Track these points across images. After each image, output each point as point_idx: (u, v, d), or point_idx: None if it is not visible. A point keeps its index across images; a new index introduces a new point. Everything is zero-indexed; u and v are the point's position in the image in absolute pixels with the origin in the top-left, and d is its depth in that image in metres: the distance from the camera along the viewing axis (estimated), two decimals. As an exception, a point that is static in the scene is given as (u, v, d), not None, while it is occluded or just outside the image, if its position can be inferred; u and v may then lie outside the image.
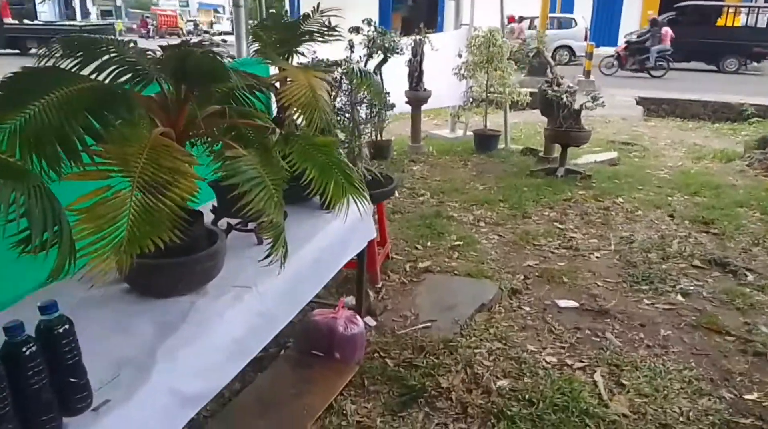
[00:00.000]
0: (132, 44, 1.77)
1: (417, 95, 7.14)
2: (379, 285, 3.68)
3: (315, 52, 5.91)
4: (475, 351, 2.94)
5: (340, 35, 2.76)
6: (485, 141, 7.34)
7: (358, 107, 3.65)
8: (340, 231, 2.68)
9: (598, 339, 3.07)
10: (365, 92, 3.29)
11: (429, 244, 4.27)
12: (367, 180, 3.57)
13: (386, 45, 6.32)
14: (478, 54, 7.03)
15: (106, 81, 1.67)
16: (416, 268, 3.89)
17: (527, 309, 3.37)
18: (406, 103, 7.23)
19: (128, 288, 1.92)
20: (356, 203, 2.10)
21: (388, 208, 5.03)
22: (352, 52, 6.17)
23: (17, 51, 21.68)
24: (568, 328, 3.17)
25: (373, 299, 3.55)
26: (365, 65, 6.34)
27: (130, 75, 1.69)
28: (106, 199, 1.44)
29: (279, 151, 1.94)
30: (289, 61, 2.74)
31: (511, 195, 5.37)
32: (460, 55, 7.20)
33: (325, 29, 2.70)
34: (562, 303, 3.42)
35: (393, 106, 6.62)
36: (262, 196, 1.63)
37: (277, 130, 1.93)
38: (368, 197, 2.14)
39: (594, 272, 3.82)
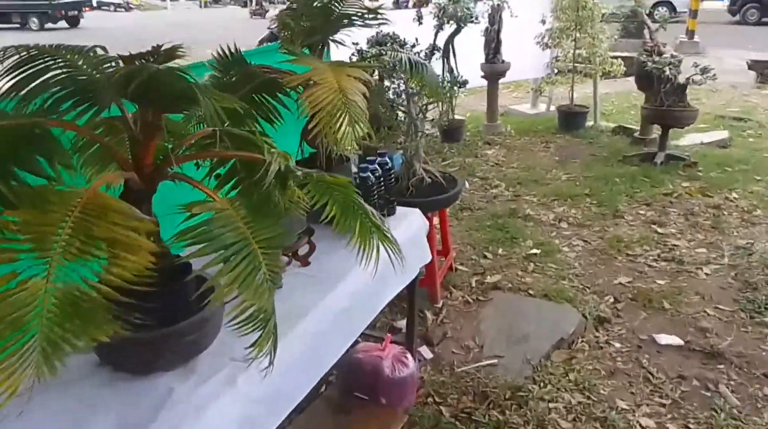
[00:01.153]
0: (94, 51, 1.31)
1: (494, 68, 6.44)
2: (439, 304, 3.17)
3: (380, 25, 5.36)
4: (551, 405, 2.40)
5: (385, 18, 2.21)
6: (571, 118, 6.55)
7: (416, 99, 3.09)
8: (385, 260, 2.19)
9: (708, 394, 2.44)
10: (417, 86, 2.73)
11: (500, 251, 3.70)
12: (426, 183, 3.04)
13: (459, 14, 5.67)
14: (564, 19, 6.22)
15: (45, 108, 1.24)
16: (483, 284, 3.34)
17: (617, 345, 2.77)
18: (482, 77, 6.56)
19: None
20: (387, 251, 1.59)
21: (455, 204, 4.47)
22: (420, 23, 5.59)
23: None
24: (669, 376, 2.55)
25: (431, 323, 3.06)
26: (435, 38, 5.75)
27: (72, 101, 1.26)
28: (9, 292, 1.01)
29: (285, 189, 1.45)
30: (323, 54, 2.24)
31: (600, 187, 4.66)
32: (543, 21, 6.40)
33: (365, 11, 2.16)
34: (662, 339, 2.79)
35: (465, 82, 6.00)
36: (242, 271, 1.15)
37: (283, 162, 1.44)
38: (398, 247, 1.61)
39: (703, 295, 3.13)
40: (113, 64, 1.28)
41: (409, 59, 2.18)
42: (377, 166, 2.26)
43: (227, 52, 2.11)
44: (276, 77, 1.93)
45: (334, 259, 2.07)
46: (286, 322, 1.73)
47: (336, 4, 2.12)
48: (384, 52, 2.31)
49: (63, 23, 22.50)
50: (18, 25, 22.11)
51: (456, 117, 6.89)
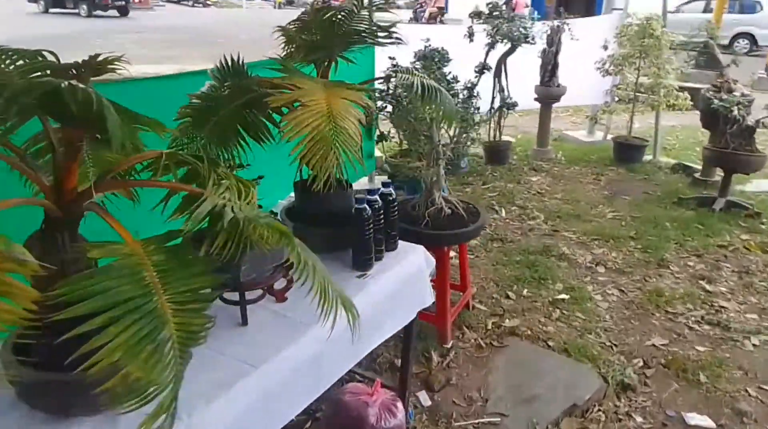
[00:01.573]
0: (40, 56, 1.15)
1: (548, 92, 6.12)
2: (448, 345, 2.92)
3: (429, 39, 5.12)
4: (550, 485, 2.11)
5: (399, 37, 2.00)
6: (627, 151, 6.14)
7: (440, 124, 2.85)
8: (376, 301, 1.97)
9: (739, 495, 2.11)
10: (431, 113, 2.49)
11: (525, 292, 3.41)
12: (445, 214, 2.80)
13: (514, 33, 5.39)
14: (628, 46, 5.84)
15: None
16: (500, 328, 3.07)
17: (638, 420, 2.45)
18: (536, 99, 6.25)
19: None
20: (347, 313, 1.37)
21: (486, 233, 4.20)
22: (471, 40, 5.34)
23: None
24: (694, 466, 2.22)
25: (435, 365, 2.81)
26: (486, 57, 5.48)
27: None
28: None
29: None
30: (328, 72, 2.04)
31: (648, 231, 4.28)
32: (605, 47, 6.04)
33: (376, 29, 1.95)
34: (692, 418, 2.45)
35: (514, 104, 5.72)
36: (131, 337, 0.95)
37: (221, 200, 1.23)
38: (356, 312, 1.38)
39: (746, 371, 2.76)
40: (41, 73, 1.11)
41: (422, 84, 1.95)
42: (377, 198, 2.04)
43: (227, 61, 1.96)
44: (270, 93, 1.75)
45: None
46: (240, 369, 1.53)
47: (343, 20, 1.92)
48: (395, 74, 2.08)
49: (113, 12, 23.42)
50: (71, 11, 23.22)
51: (504, 138, 6.61)
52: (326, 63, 2.03)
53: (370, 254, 2.02)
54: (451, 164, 5.66)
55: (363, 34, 1.97)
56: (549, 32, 5.96)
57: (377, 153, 4.77)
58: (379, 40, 1.99)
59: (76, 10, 23.03)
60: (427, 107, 2.14)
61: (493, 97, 5.77)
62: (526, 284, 3.49)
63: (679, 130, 7.60)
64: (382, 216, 2.06)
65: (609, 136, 6.81)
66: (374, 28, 1.93)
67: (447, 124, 2.32)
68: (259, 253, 1.70)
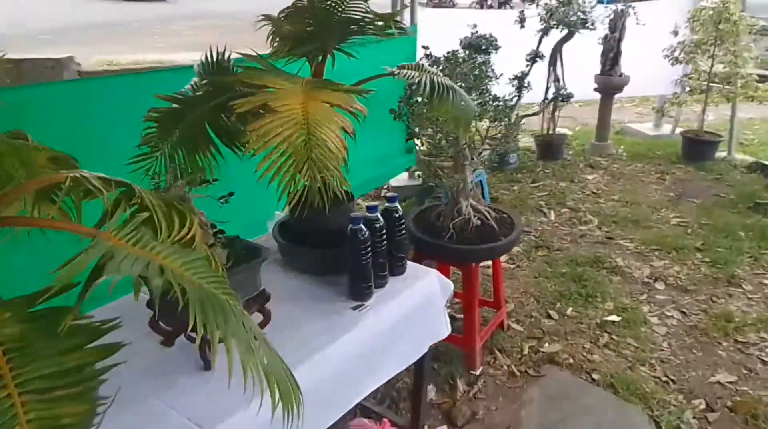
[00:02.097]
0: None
1: (610, 81, 5.61)
2: (477, 372, 2.59)
3: (475, 26, 4.73)
4: None
5: (402, 27, 1.67)
6: (697, 147, 5.56)
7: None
8: (375, 337, 1.67)
9: None
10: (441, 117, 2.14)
11: (569, 311, 3.02)
12: (473, 226, 2.47)
13: (571, 18, 4.93)
14: (702, 31, 5.25)
15: None
16: (538, 353, 2.71)
17: (696, 479, 2.06)
18: (595, 89, 5.75)
19: None
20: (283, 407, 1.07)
21: (530, 239, 3.82)
22: (522, 26, 4.91)
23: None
24: None
25: (461, 395, 2.50)
26: (539, 44, 5.04)
27: None
28: None
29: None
30: (323, 68, 1.73)
31: (717, 241, 3.79)
32: (675, 33, 5.47)
33: (372, 17, 1.63)
34: (764, 481, 2.04)
35: (569, 96, 5.25)
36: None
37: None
38: (300, 396, 1.08)
39: (835, 421, 2.31)
40: None
41: (431, 81, 1.62)
42: (378, 216, 1.73)
43: (210, 55, 1.70)
44: (250, 93, 1.46)
45: (304, 331, 1.59)
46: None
47: (335, 7, 1.61)
48: (420, 67, 1.74)
49: None
50: None
51: (560, 131, 6.14)
52: (320, 58, 1.73)
53: (368, 282, 1.72)
54: (498, 159, 5.31)
55: (362, 24, 1.66)
56: (612, 17, 5.45)
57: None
58: (373, 30, 1.67)
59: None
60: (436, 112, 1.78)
61: (547, 88, 5.33)
62: (571, 302, 3.10)
63: (758, 124, 6.88)
64: (384, 236, 1.76)
65: (678, 130, 6.22)
66: (370, 15, 1.61)
67: (461, 127, 1.96)
68: (230, 284, 1.44)
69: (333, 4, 1.62)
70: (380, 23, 1.63)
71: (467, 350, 2.61)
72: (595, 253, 3.63)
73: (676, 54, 5.50)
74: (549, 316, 2.98)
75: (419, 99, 2.60)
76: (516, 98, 5.10)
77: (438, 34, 4.74)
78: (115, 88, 2.25)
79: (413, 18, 4.66)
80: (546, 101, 5.35)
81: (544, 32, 4.94)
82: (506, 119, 2.60)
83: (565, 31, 5.02)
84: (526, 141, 6.04)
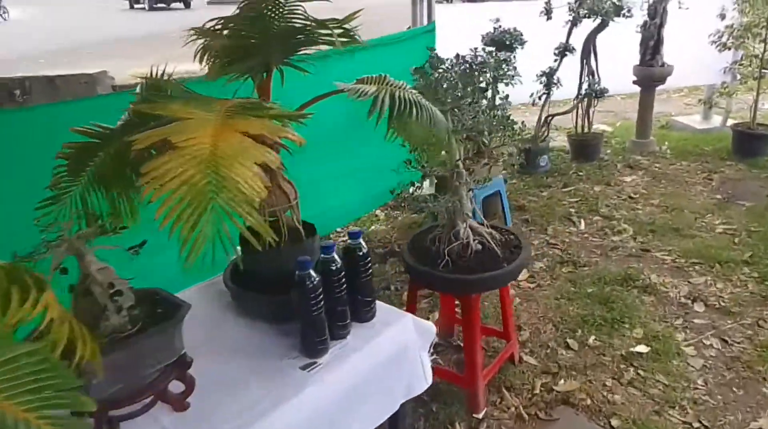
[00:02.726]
0: None
1: (650, 72, 5.18)
2: (480, 416, 2.31)
3: (498, 20, 4.41)
4: None
5: (357, 38, 1.42)
6: (749, 141, 5.07)
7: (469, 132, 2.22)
8: (330, 400, 1.43)
9: None
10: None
11: (591, 340, 2.70)
12: (472, 251, 2.19)
13: (603, 6, 4.54)
14: (752, 13, 4.77)
15: None
16: (551, 392, 2.40)
17: None
18: (634, 82, 5.32)
19: None
20: None
21: (555, 253, 3.50)
22: (549, 18, 4.54)
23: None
24: None
25: (461, 442, 2.22)
26: (568, 36, 4.67)
27: None
28: None
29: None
30: (268, 86, 1.49)
31: (769, 252, 3.38)
32: (722, 16, 4.99)
33: (313, 25, 1.38)
34: None
35: (603, 91, 4.85)
36: None
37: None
38: None
39: None
40: None
41: (392, 97, 1.36)
42: (335, 257, 1.48)
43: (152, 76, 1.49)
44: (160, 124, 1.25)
45: (242, 396, 1.36)
46: None
47: (271, 16, 1.37)
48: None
49: (179, 4, 24.78)
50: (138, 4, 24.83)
51: (599, 127, 5.77)
52: (265, 74, 1.49)
53: (321, 336, 1.47)
54: (527, 162, 4.97)
55: (306, 33, 1.41)
56: (651, 2, 5.01)
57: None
58: (326, 39, 1.41)
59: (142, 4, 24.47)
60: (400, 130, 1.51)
61: (581, 83, 4.95)
62: (594, 329, 2.77)
63: (823, 111, 6.27)
64: (343, 280, 1.51)
65: (729, 122, 5.72)
66: (312, 24, 1.36)
67: (430, 150, 1.66)
68: (132, 353, 1.23)
69: (269, 14, 1.38)
70: (321, 31, 1.38)
71: (470, 390, 2.33)
72: (626, 269, 3.28)
73: (723, 39, 5.02)
74: (568, 347, 2.67)
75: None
76: (545, 96, 4.78)
77: (463, 30, 4.47)
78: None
79: (431, 15, 4.39)
80: (580, 97, 4.98)
81: (574, 23, 4.57)
82: (509, 131, 2.28)
83: (599, 20, 4.64)
84: (561, 140, 5.66)
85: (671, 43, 5.12)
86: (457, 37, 4.39)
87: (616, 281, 3.16)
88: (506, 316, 2.51)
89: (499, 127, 2.18)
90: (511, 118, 2.23)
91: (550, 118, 4.93)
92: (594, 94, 4.80)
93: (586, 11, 4.52)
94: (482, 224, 2.32)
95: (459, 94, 1.93)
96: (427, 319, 2.92)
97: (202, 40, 1.40)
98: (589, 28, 4.71)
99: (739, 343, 2.65)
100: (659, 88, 5.47)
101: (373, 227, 4.15)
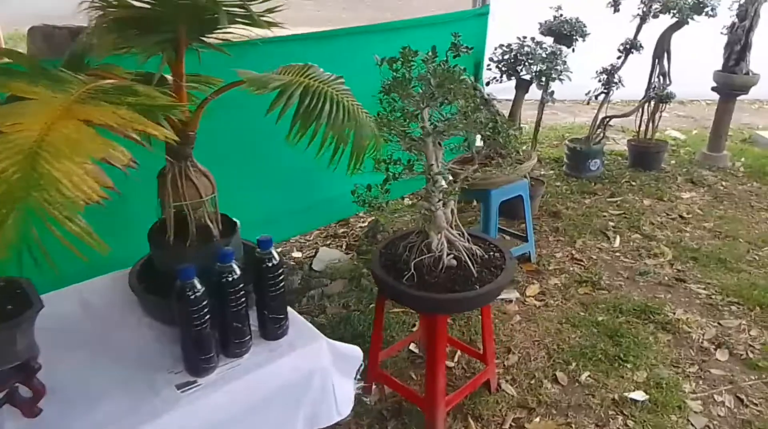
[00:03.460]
0: None
1: (731, 80, 4.63)
2: (437, 444, 2.11)
3: (560, 8, 4.07)
4: None
5: (275, 22, 1.23)
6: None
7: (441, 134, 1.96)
8: (207, 426, 1.29)
9: None
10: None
11: (584, 377, 2.42)
12: (443, 266, 1.99)
13: (681, 2, 4.07)
14: None
15: None
16: (521, 430, 2.17)
17: None
18: (713, 89, 4.78)
19: None
20: None
21: (575, 270, 3.19)
22: (616, 10, 4.11)
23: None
24: None
25: (410, 469, 2.04)
26: (637, 32, 4.23)
27: None
28: None
29: None
30: (180, 65, 1.33)
31: (824, 301, 2.93)
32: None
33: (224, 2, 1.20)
34: None
35: (670, 96, 4.39)
36: None
37: None
38: None
39: None
40: None
41: (306, 91, 1.16)
42: (233, 266, 1.33)
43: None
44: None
45: (99, 411, 1.24)
46: None
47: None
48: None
49: None
50: None
51: (671, 133, 5.29)
52: (175, 52, 1.33)
53: (205, 354, 1.33)
54: (576, 164, 4.59)
55: (215, 10, 1.23)
56: (743, 2, 4.45)
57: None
58: (243, 20, 1.23)
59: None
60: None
61: (650, 83, 4.51)
62: (591, 364, 2.49)
63: None
64: (241, 293, 1.35)
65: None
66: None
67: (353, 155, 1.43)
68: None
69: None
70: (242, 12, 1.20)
71: (427, 416, 2.13)
72: (650, 299, 2.94)
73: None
74: (556, 380, 2.41)
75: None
76: (603, 95, 4.38)
77: (525, 16, 4.16)
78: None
79: (487, -2, 4.09)
80: (647, 100, 4.53)
81: (644, 18, 4.13)
82: (502, 136, 2.01)
83: (675, 18, 4.17)
84: (624, 143, 5.21)
85: (761, 50, 4.56)
86: (517, 23, 4.08)
87: (633, 312, 2.83)
88: (485, 339, 2.28)
89: (487, 131, 1.92)
90: (502, 123, 1.96)
91: (607, 119, 4.52)
92: (661, 98, 4.35)
93: (659, 6, 4.06)
94: (463, 236, 2.09)
95: (432, 93, 1.69)
96: (413, 327, 2.74)
97: (96, 11, 1.25)
98: (662, 24, 4.25)
99: (756, 404, 2.30)
100: (750, 97, 4.91)
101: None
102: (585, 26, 3.96)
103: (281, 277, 1.42)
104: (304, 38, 2.91)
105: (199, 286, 1.27)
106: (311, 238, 3.81)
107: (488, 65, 3.68)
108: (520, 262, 3.31)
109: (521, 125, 3.85)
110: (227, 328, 1.36)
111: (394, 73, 1.72)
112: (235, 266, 1.33)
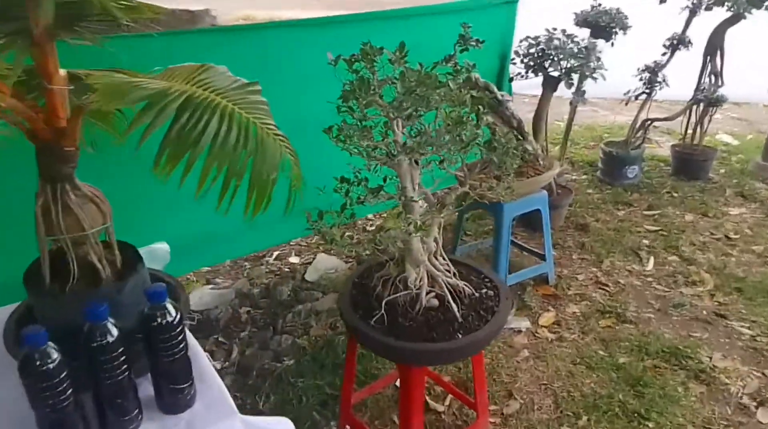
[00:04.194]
0: None
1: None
2: None
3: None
4: None
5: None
6: None
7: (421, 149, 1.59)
8: None
9: None
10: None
11: (595, 436, 2.05)
12: (420, 308, 1.65)
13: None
14: None
15: None
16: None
17: None
18: (772, 91, 4.27)
19: None
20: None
21: (599, 297, 2.80)
22: (663, 1, 3.63)
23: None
24: None
25: None
26: (686, 27, 3.75)
27: None
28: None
29: None
30: (47, 60, 1.02)
31: None
32: None
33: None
34: None
35: (721, 99, 3.90)
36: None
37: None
38: None
39: None
40: None
41: (187, 103, 0.83)
42: (108, 326, 1.02)
43: None
44: None
45: None
46: None
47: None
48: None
49: None
50: None
51: (723, 138, 4.79)
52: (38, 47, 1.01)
53: (67, 435, 1.03)
54: (611, 170, 4.15)
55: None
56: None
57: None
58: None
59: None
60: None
61: (699, 84, 4.02)
62: (605, 419, 2.11)
63: None
64: (120, 359, 1.04)
65: None
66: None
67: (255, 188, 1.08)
68: None
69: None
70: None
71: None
72: (684, 339, 2.53)
73: None
74: (560, 438, 2.05)
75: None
76: (645, 95, 3.92)
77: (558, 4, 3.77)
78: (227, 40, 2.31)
79: (515, -14, 3.68)
80: (695, 102, 4.05)
81: (693, 11, 3.65)
82: (497, 152, 1.62)
83: (731, 12, 3.67)
84: (668, 147, 4.72)
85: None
86: (551, 13, 3.69)
87: (662, 354, 2.43)
88: (477, 389, 1.92)
89: (463, 146, 1.53)
90: (501, 137, 1.59)
91: (649, 122, 4.06)
92: (710, 101, 3.86)
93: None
94: (450, 269, 1.74)
95: (400, 103, 1.34)
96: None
97: None
98: (716, 19, 3.76)
99: (806, 487, 1.89)
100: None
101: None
102: (626, 18, 3.51)
103: (180, 337, 1.10)
104: (295, 25, 2.58)
105: (54, 354, 0.96)
106: (313, 242, 3.52)
107: (513, 59, 3.28)
108: (536, 285, 2.93)
109: (546, 126, 3.44)
110: (105, 403, 1.06)
111: (355, 75, 1.37)
112: (110, 326, 1.02)
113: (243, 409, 2.22)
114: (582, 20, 3.62)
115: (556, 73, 3.14)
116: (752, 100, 6.25)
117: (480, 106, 1.57)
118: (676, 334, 2.58)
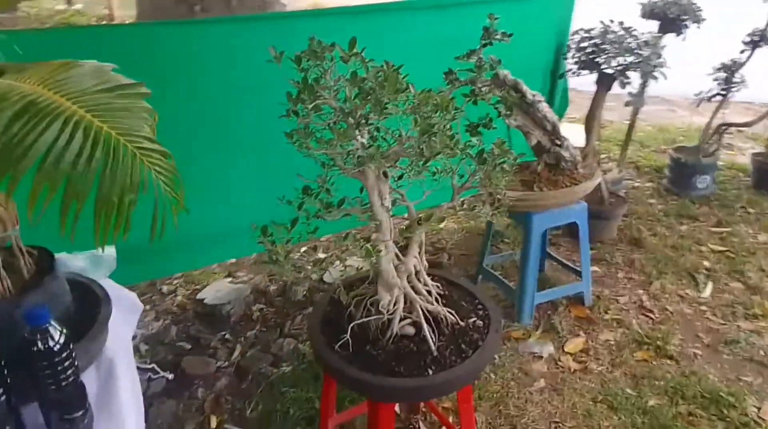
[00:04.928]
0: None
1: None
2: None
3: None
4: None
5: None
6: None
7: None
8: None
9: None
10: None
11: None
12: (395, 335, 1.48)
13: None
14: None
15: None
16: None
17: None
18: None
19: None
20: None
21: (639, 324, 2.50)
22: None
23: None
24: None
25: None
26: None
27: None
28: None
29: None
30: None
31: None
32: None
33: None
34: None
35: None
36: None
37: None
38: None
39: None
40: None
41: (33, 116, 0.70)
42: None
43: None
44: None
45: None
46: None
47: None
48: None
49: None
50: None
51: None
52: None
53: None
54: (679, 179, 3.74)
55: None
56: None
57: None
58: None
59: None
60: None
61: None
62: (618, 471, 1.85)
63: None
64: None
65: None
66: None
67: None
68: None
69: None
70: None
71: None
72: (730, 383, 2.20)
73: None
74: (562, 487, 1.81)
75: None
76: (720, 97, 3.49)
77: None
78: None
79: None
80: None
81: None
82: (486, 164, 1.40)
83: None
84: (750, 155, 4.23)
85: None
86: (615, 3, 3.38)
87: (701, 399, 2.12)
88: (464, 422, 1.72)
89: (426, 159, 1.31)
90: (495, 148, 1.36)
91: (724, 127, 3.63)
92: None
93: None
94: (431, 293, 1.54)
95: (353, 108, 1.14)
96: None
97: None
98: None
99: None
100: None
101: (442, 225, 3.42)
102: (699, 9, 3.13)
103: (67, 363, 0.99)
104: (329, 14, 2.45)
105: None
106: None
107: (565, 54, 2.99)
108: (570, 304, 2.66)
109: (600, 127, 3.13)
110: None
111: (303, 74, 1.20)
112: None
113: (231, 415, 2.13)
114: (648, 12, 3.26)
115: (610, 71, 2.82)
116: None
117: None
118: (723, 377, 2.25)
